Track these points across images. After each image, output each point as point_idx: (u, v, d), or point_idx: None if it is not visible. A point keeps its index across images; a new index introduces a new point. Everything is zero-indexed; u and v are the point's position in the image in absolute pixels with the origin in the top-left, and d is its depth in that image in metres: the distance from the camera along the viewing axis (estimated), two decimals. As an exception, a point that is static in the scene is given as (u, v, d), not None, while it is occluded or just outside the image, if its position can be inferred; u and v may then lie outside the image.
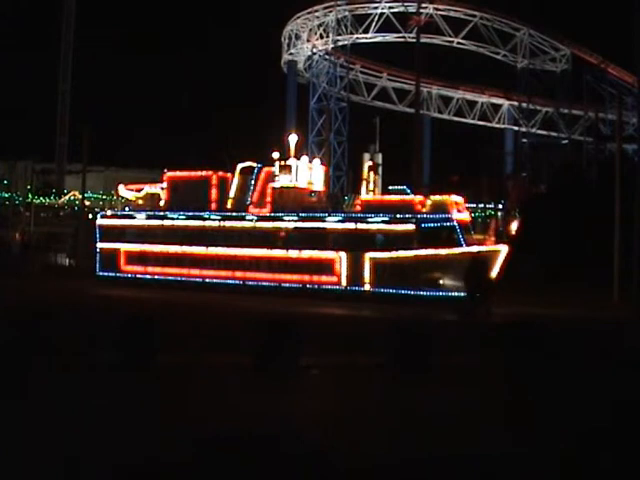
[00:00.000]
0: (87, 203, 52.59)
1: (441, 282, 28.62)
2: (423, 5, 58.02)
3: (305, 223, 31.62)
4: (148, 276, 34.59)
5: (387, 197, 31.24)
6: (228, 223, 33.37)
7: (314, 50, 64.46)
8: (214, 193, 33.98)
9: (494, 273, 28.03)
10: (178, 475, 7.88)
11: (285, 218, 32.10)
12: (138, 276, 34.84)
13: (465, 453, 8.82)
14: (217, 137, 66.10)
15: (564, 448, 9.13)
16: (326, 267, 30.73)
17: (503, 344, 14.81)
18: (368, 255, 29.84)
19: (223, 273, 32.82)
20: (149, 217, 35.44)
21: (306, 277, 31.12)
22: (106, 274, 35.76)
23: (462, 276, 27.19)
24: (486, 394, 12.54)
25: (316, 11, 63.00)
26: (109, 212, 38.92)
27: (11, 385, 11.63)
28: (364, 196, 32.01)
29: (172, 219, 34.72)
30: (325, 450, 8.72)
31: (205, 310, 25.66)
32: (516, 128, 67.14)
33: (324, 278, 30.79)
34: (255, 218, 32.77)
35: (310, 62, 66.18)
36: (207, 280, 33.04)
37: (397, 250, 29.37)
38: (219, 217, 33.58)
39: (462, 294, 28.19)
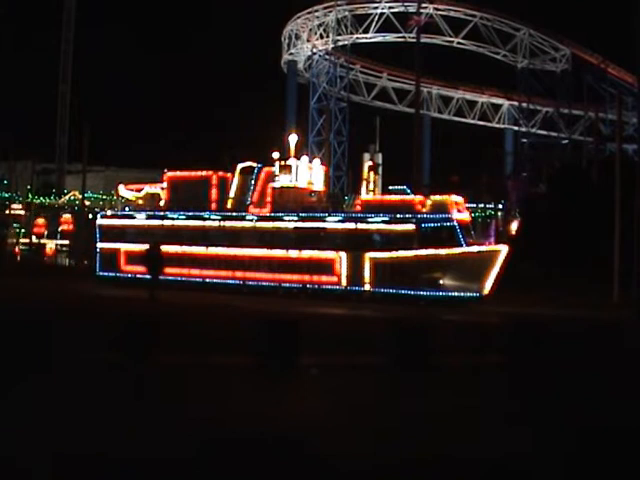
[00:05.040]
0: (87, 203, 52.67)
1: (441, 282, 28.61)
2: (423, 5, 58.04)
3: (305, 223, 31.61)
4: (148, 276, 34.53)
5: (387, 197, 31.23)
6: (228, 223, 33.37)
7: (314, 50, 64.52)
8: (214, 193, 33.95)
9: (494, 273, 28.05)
10: (178, 475, 7.88)
11: (285, 218, 32.09)
12: (138, 276, 34.80)
13: (465, 453, 8.81)
14: (217, 137, 66.18)
15: (566, 448, 9.14)
16: (326, 267, 30.72)
17: (505, 344, 14.83)
18: (368, 255, 29.82)
19: (223, 273, 32.81)
20: (149, 217, 35.43)
21: (306, 277, 31.11)
22: (106, 274, 35.77)
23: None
24: (487, 394, 12.54)
25: (316, 11, 63.10)
26: (109, 212, 38.91)
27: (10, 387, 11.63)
28: (364, 196, 31.99)
29: (172, 219, 34.71)
30: (325, 451, 8.72)
31: (205, 310, 25.64)
32: (516, 128, 67.27)
33: (324, 278, 30.78)
34: (255, 218, 32.76)
35: (310, 62, 66.25)
36: (207, 280, 33.04)
37: (397, 250, 29.36)
38: (219, 217, 33.57)
39: (464, 294, 28.24)
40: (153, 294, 26.38)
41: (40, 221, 56.04)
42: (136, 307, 24.16)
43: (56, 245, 53.60)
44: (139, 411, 10.51)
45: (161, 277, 28.54)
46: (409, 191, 30.93)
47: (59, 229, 54.31)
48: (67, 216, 56.09)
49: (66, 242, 53.20)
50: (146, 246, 28.75)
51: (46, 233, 54.49)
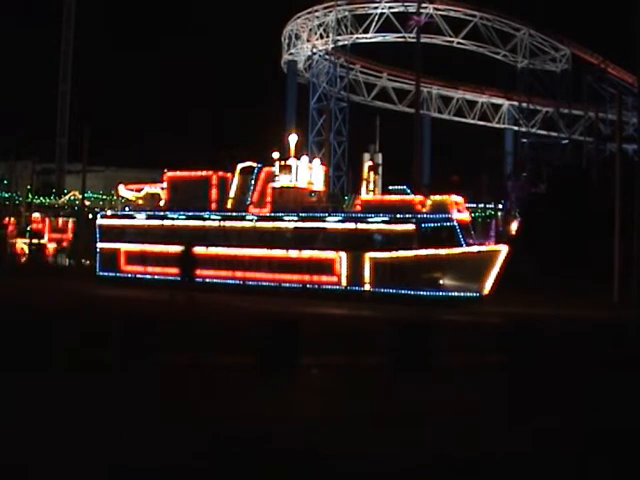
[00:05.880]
0: (87, 203, 52.68)
1: (441, 282, 28.61)
2: (423, 5, 58.03)
3: (305, 223, 31.62)
4: (148, 276, 34.57)
5: (387, 197, 31.24)
6: (228, 223, 33.37)
7: (314, 50, 64.49)
8: (214, 193, 33.96)
9: (494, 273, 28.05)
10: (178, 475, 7.88)
11: (285, 218, 32.10)
12: (138, 276, 34.83)
13: (465, 453, 8.81)
14: (217, 137, 66.18)
15: (566, 448, 9.14)
16: (326, 267, 30.72)
17: (505, 344, 14.82)
18: (368, 255, 29.83)
19: (223, 273, 32.81)
20: (149, 217, 35.44)
21: (306, 277, 31.11)
22: (106, 274, 35.77)
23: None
24: (487, 394, 12.54)
25: (316, 11, 63.05)
26: (109, 212, 38.92)
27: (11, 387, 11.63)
28: (364, 196, 32.00)
29: (172, 219, 34.72)
30: (325, 451, 8.72)
31: (205, 310, 25.61)
32: (516, 128, 67.21)
33: (324, 278, 30.78)
34: (255, 218, 32.76)
35: (310, 62, 66.21)
36: (207, 280, 33.00)
37: (397, 250, 29.36)
38: (219, 217, 33.57)
39: (464, 294, 28.22)
40: (189, 295, 25.27)
41: (10, 219, 55.94)
42: (136, 307, 24.15)
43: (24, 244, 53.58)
44: (139, 411, 10.51)
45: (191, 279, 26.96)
46: (409, 191, 30.93)
47: (28, 228, 54.25)
48: (36, 215, 56.04)
49: (35, 241, 53.19)
50: (181, 247, 28.11)
51: (16, 232, 54.42)
